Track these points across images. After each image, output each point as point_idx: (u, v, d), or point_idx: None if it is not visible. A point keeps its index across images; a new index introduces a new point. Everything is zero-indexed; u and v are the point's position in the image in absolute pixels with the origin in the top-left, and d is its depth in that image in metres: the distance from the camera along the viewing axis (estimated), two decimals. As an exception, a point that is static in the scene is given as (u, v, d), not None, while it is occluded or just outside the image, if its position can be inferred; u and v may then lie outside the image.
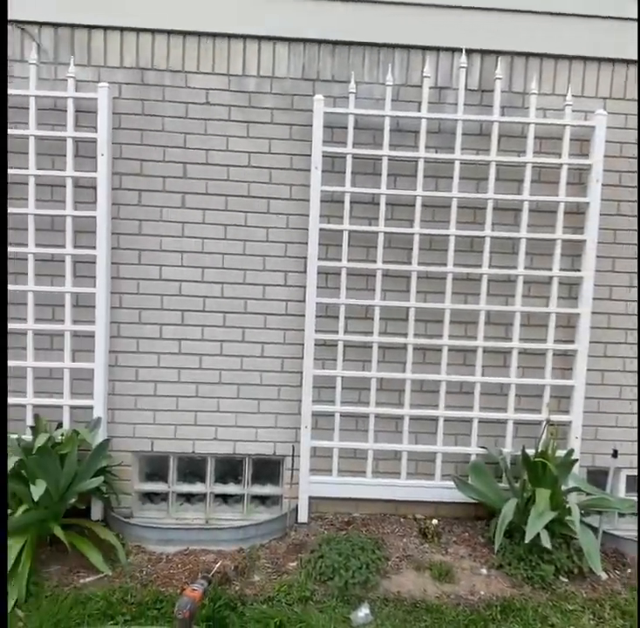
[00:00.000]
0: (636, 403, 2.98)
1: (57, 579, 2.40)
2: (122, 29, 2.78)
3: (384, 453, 2.93)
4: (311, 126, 2.77)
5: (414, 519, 2.93)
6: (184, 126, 2.83)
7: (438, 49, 2.83)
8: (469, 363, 2.92)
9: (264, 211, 2.89)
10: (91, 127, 2.74)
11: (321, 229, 2.79)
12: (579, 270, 2.87)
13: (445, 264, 2.85)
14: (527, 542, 2.43)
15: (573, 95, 2.83)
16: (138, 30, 2.78)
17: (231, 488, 2.98)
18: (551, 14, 2.79)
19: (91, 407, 2.76)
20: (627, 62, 2.87)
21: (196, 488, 2.97)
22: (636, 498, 2.82)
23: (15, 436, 2.58)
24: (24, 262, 2.74)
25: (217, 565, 2.43)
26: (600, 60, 2.87)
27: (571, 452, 2.71)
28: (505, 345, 2.89)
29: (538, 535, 2.43)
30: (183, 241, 2.88)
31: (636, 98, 2.88)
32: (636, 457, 2.97)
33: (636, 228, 2.93)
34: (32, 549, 2.38)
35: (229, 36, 2.80)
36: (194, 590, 2.22)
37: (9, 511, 2.41)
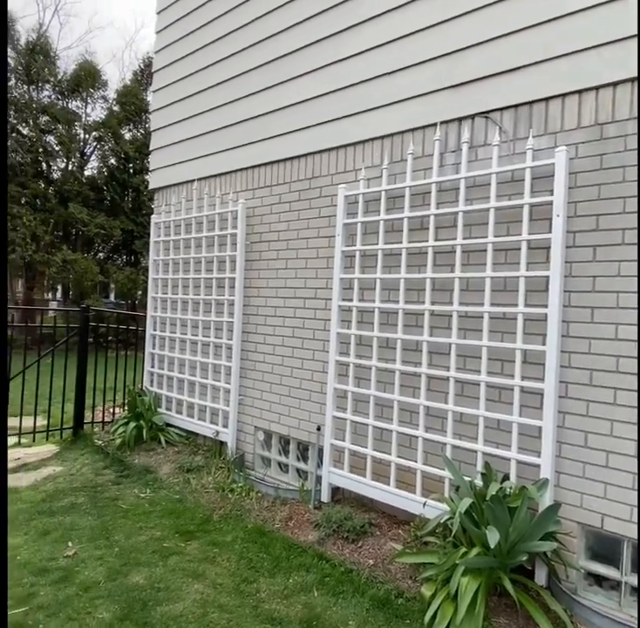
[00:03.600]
0: None
1: (507, 633, 2.44)
2: (580, 91, 2.81)
3: None
4: None
5: None
6: (651, 172, 2.58)
7: None
8: None
9: None
10: (546, 191, 2.84)
11: None
12: None
13: None
14: None
15: None
16: (597, 88, 2.76)
17: None
18: None
19: (536, 465, 2.75)
20: None
21: (658, 588, 2.50)
22: None
23: (468, 479, 2.84)
24: (479, 319, 3.06)
25: None
26: None
27: None
28: None
29: None
30: (645, 297, 2.58)
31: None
32: None
33: None
34: (485, 593, 2.50)
35: None
36: None
37: (463, 549, 2.64)
